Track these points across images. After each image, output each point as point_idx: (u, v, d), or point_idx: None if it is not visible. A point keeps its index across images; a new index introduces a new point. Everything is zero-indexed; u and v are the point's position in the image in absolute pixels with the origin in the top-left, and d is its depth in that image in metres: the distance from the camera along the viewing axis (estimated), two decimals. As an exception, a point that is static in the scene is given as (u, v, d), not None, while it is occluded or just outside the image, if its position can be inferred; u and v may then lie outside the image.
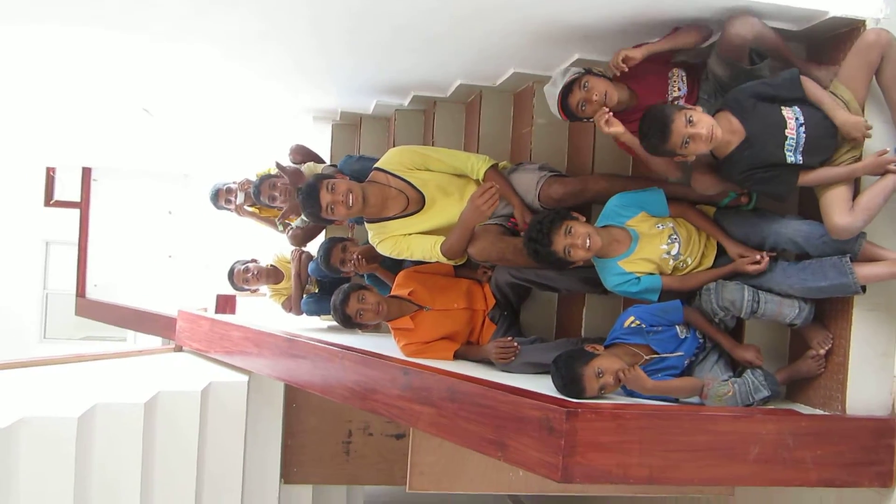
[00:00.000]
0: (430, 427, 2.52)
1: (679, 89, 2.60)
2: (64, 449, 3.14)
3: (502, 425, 2.22)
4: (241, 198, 4.46)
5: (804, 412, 2.36)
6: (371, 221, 3.06)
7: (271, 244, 4.68)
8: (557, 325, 3.25)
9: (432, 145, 3.83)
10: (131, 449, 3.41)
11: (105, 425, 3.35)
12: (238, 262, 4.31)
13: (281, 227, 4.53)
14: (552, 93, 2.63)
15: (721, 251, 2.54)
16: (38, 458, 3.08)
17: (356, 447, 4.29)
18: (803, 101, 2.27)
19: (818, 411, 2.39)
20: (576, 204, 2.84)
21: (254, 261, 4.32)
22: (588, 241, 2.43)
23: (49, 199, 9.90)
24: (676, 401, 2.45)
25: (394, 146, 3.59)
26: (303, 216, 3.90)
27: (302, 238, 4.27)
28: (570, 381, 2.36)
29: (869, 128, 2.20)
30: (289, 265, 4.25)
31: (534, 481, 2.72)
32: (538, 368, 2.81)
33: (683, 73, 2.61)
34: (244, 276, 4.22)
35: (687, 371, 2.51)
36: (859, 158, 2.25)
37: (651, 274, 2.54)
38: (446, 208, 3.01)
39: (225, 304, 5.37)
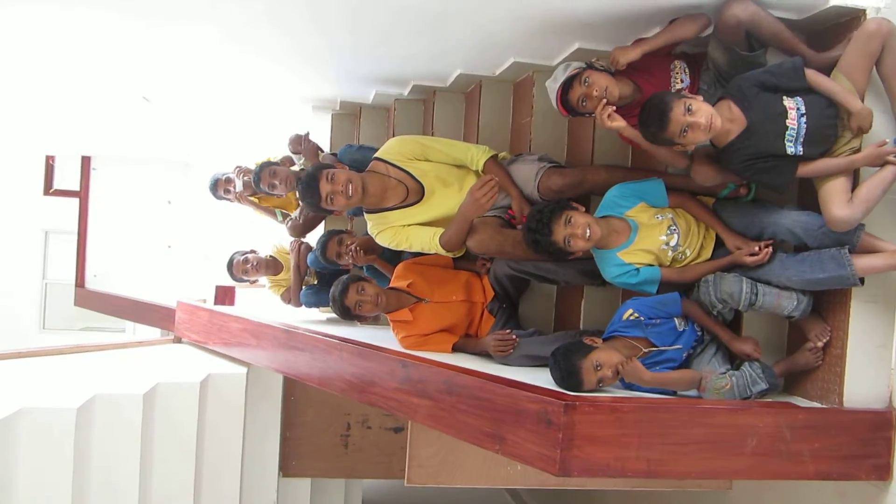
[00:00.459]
0: (428, 420, 2.51)
1: (682, 81, 2.59)
2: (63, 440, 3.14)
3: (500, 418, 2.22)
4: (239, 185, 4.45)
5: (802, 405, 2.35)
6: (370, 212, 3.06)
7: (270, 235, 4.67)
8: (556, 317, 3.25)
9: (432, 135, 3.82)
10: (130, 440, 3.41)
11: (104, 416, 3.35)
12: (237, 252, 4.30)
13: (280, 218, 4.53)
14: (552, 88, 2.61)
15: (719, 243, 2.53)
16: (37, 449, 3.08)
17: (355, 440, 4.29)
18: (806, 90, 2.26)
19: (816, 404, 2.39)
20: (575, 195, 2.83)
21: (253, 252, 4.31)
22: (588, 230, 2.42)
23: (48, 188, 9.90)
24: (674, 394, 2.45)
25: (393, 136, 3.57)
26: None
27: (301, 229, 4.26)
28: (568, 374, 2.35)
29: (872, 117, 2.19)
30: (288, 256, 4.25)
31: (532, 475, 2.72)
32: (536, 361, 2.81)
33: (685, 65, 2.60)
34: (243, 267, 4.22)
35: (685, 364, 2.50)
36: (858, 150, 2.24)
37: (650, 265, 2.53)
38: (445, 199, 3.00)
39: (224, 295, 5.37)
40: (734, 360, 2.49)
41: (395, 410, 2.70)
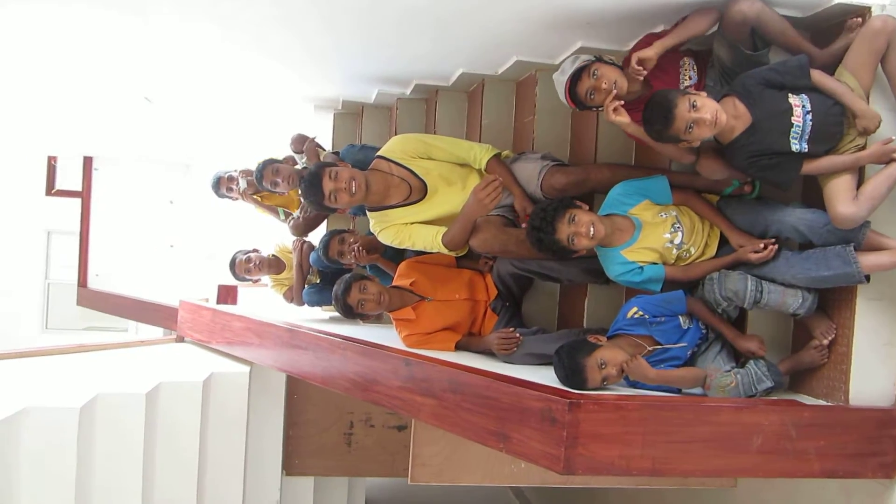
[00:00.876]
0: (431, 418, 2.51)
1: (690, 78, 2.59)
2: (66, 439, 3.13)
3: (504, 416, 2.21)
4: (243, 184, 4.46)
5: (807, 403, 2.35)
6: (372, 210, 3.05)
7: (273, 234, 4.67)
8: (559, 316, 3.25)
9: (434, 134, 3.82)
10: (133, 439, 3.40)
11: (107, 416, 3.35)
12: (239, 251, 4.30)
13: (283, 216, 4.52)
14: (560, 80, 2.60)
15: (724, 241, 2.52)
16: (40, 448, 3.08)
17: (358, 439, 4.28)
18: (812, 88, 2.25)
19: (821, 402, 2.38)
20: (579, 193, 2.82)
21: (255, 251, 4.31)
22: (592, 229, 2.42)
23: (50, 189, 9.89)
24: (679, 392, 2.44)
25: (396, 135, 3.56)
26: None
27: (303, 228, 4.26)
28: (572, 372, 2.35)
29: (880, 122, 2.18)
30: (290, 255, 4.24)
31: (536, 473, 2.71)
32: (540, 359, 2.81)
33: (693, 62, 2.60)
34: (246, 266, 4.22)
35: (690, 362, 2.50)
36: (864, 147, 2.23)
37: (654, 263, 2.53)
38: (448, 198, 3.00)
39: (226, 294, 5.36)
40: (739, 358, 2.49)
41: (399, 409, 2.69)
